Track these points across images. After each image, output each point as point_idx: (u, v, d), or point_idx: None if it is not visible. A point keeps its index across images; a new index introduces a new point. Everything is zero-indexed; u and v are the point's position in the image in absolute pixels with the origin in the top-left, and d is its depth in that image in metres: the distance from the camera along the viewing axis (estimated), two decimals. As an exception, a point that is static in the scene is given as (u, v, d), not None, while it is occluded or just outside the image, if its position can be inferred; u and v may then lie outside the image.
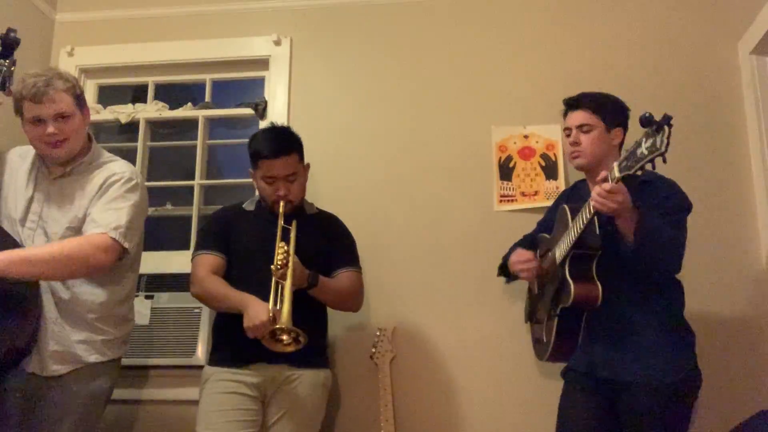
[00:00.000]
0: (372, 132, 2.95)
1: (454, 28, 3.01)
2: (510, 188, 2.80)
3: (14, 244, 2.05)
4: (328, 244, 2.43)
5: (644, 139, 1.71)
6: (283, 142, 2.37)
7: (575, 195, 2.30)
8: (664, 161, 1.68)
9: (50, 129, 2.09)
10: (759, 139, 2.63)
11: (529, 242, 2.41)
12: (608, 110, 2.19)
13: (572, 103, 2.24)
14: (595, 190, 1.86)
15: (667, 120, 1.66)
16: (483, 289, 2.57)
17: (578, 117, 2.19)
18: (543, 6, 2.97)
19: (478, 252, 2.50)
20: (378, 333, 2.66)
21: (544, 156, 2.80)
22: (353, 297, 2.44)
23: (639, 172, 1.75)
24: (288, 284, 2.15)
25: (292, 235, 2.29)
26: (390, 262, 2.77)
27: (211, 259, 2.35)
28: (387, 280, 2.75)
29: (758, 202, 2.63)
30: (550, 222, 2.29)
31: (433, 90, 2.95)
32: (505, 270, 2.40)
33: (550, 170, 2.79)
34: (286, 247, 2.22)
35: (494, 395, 2.62)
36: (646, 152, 1.69)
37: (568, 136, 2.21)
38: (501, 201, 2.80)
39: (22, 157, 2.26)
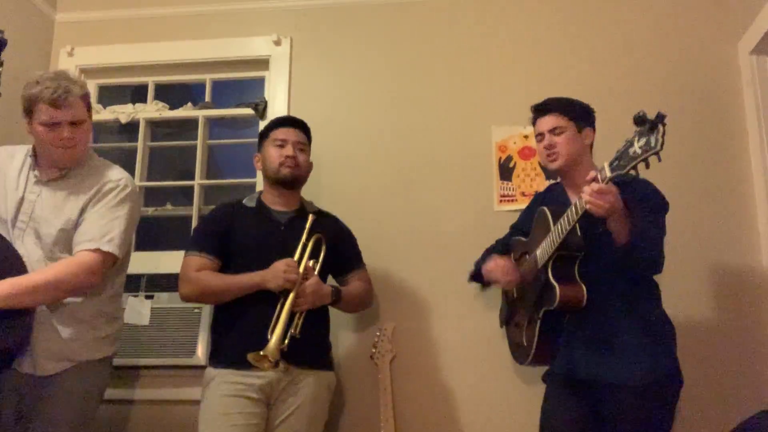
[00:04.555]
0: (372, 132, 2.96)
1: (454, 28, 3.01)
2: (510, 188, 2.80)
3: (16, 257, 2.05)
4: (334, 247, 2.40)
5: (637, 138, 1.69)
6: (301, 121, 2.53)
7: (551, 198, 2.30)
8: (659, 160, 1.66)
9: (66, 133, 2.12)
10: (759, 138, 2.63)
11: (502, 247, 2.41)
12: (576, 112, 2.20)
13: (540, 109, 2.24)
14: (586, 191, 1.83)
15: (661, 118, 1.64)
16: (483, 289, 2.57)
17: (549, 121, 2.19)
18: (543, 6, 2.97)
19: (478, 252, 2.50)
20: (378, 333, 2.66)
21: (544, 156, 2.80)
22: (370, 298, 2.59)
23: (632, 172, 1.72)
24: (288, 302, 2.18)
25: (304, 235, 2.31)
26: (390, 262, 2.77)
27: (202, 262, 2.33)
28: (387, 280, 2.75)
29: (758, 202, 2.63)
30: (525, 225, 2.30)
31: (433, 90, 2.95)
32: (478, 276, 2.39)
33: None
34: (309, 263, 2.28)
35: (495, 395, 2.62)
36: (639, 151, 1.67)
37: (541, 141, 2.21)
38: (501, 201, 2.80)
39: (10, 156, 2.25)
